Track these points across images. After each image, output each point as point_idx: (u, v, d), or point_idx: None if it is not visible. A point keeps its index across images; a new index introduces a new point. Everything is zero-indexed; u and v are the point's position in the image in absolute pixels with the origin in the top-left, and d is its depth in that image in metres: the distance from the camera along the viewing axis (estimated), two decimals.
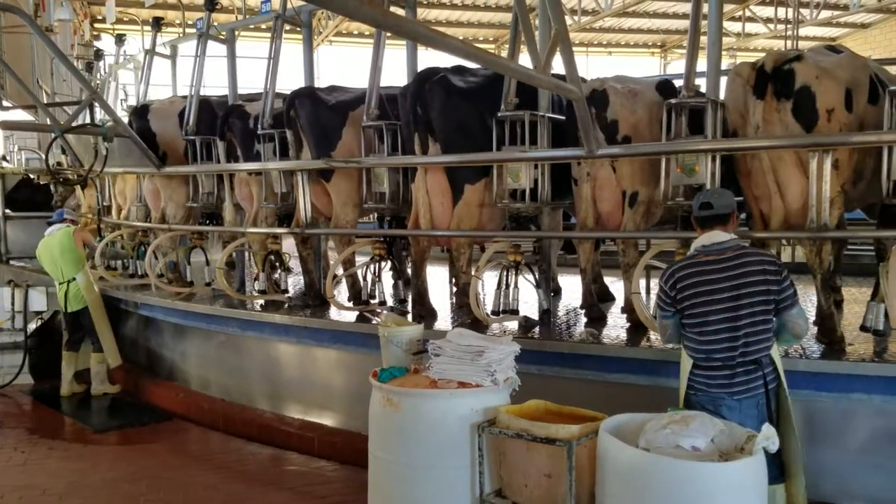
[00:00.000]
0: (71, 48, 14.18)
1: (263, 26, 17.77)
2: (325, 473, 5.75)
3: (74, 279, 7.82)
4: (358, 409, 4.95)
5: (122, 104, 15.00)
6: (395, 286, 6.52)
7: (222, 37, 7.91)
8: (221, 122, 7.41)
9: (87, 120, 8.48)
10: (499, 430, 3.88)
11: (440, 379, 4.11)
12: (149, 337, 8.26)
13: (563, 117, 5.66)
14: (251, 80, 8.65)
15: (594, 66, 22.03)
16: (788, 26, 17.37)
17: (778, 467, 3.80)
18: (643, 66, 24.47)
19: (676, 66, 24.89)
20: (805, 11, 18.97)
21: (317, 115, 6.48)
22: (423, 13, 20.63)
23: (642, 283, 6.41)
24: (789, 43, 16.35)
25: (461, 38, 5.89)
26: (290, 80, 7.50)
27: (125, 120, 8.07)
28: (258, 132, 6.88)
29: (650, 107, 5.33)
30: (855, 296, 6.51)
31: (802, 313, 3.81)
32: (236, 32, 7.92)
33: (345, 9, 2.97)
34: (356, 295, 6.73)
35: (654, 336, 5.12)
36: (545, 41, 4.96)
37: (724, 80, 5.15)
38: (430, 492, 4.03)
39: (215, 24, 8.00)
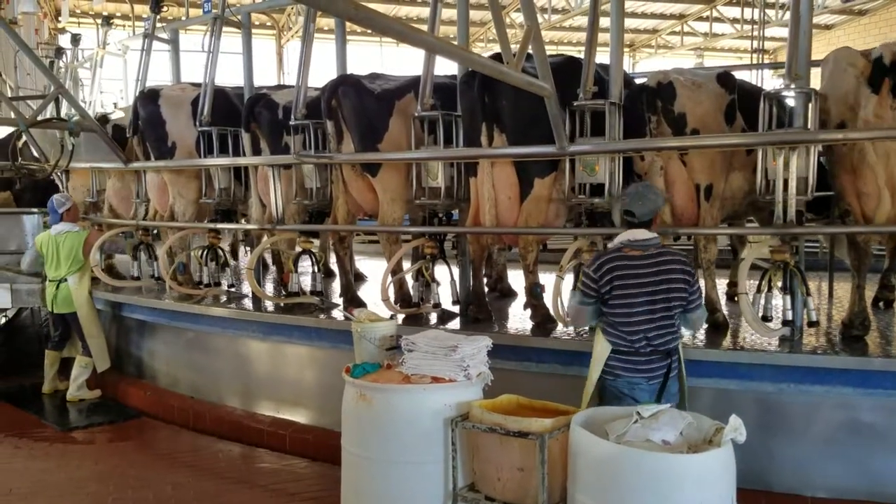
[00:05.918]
0: (35, 32, 13.81)
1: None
2: (296, 470, 5.72)
3: (66, 280, 7.49)
4: (330, 405, 4.93)
5: (120, 98, 14.22)
6: (438, 285, 6.19)
7: (236, 20, 7.30)
8: (247, 112, 6.91)
9: (54, 114, 8.24)
10: (472, 424, 3.90)
11: (413, 374, 4.12)
12: (118, 335, 8.12)
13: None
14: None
15: None
16: (755, 27, 17.62)
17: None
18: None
19: (645, 65, 25.13)
20: (771, 12, 19.26)
21: (362, 104, 6.07)
22: (393, 9, 20.58)
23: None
24: (755, 43, 16.58)
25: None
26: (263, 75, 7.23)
27: (121, 112, 7.52)
28: (290, 123, 6.41)
29: (715, 98, 5.26)
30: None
31: (704, 314, 4.16)
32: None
33: (317, 3, 2.96)
34: (404, 298, 6.33)
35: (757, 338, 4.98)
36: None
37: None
38: (404, 487, 4.04)
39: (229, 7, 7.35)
